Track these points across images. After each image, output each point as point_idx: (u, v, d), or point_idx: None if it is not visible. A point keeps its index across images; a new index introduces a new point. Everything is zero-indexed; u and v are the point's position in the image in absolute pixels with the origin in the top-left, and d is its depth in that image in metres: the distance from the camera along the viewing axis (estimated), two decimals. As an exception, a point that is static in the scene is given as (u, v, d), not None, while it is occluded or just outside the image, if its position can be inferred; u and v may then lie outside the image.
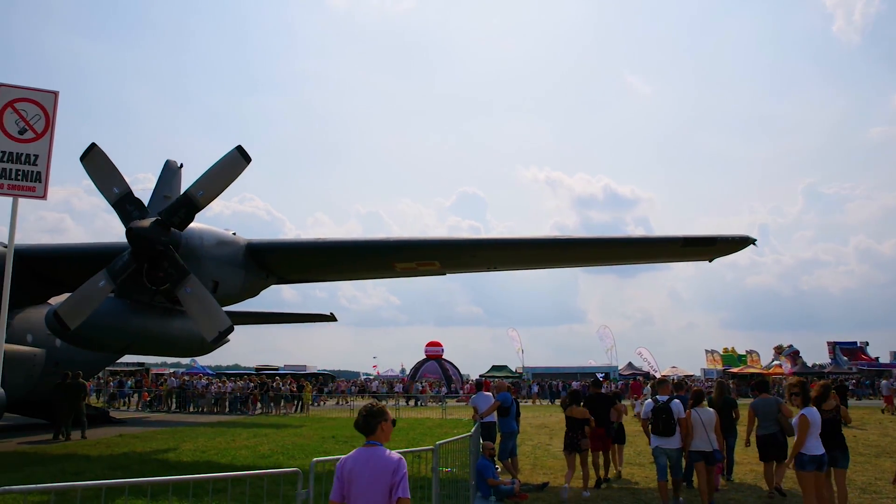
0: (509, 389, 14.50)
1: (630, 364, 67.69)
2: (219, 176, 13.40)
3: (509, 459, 12.97)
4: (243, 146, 13.31)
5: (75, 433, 20.53)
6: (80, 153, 13.33)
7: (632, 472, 13.87)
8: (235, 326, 13.88)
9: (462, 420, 26.04)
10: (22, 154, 7.12)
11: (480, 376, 59.22)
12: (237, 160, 13.33)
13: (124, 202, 13.46)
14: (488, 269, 18.46)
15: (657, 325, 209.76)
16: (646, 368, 63.88)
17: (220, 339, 13.55)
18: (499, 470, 12.48)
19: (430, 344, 65.86)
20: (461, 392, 52.98)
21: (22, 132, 7.16)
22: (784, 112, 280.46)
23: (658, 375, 50.04)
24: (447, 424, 24.40)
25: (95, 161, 13.32)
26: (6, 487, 5.36)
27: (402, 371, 70.46)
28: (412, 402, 46.79)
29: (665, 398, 10.40)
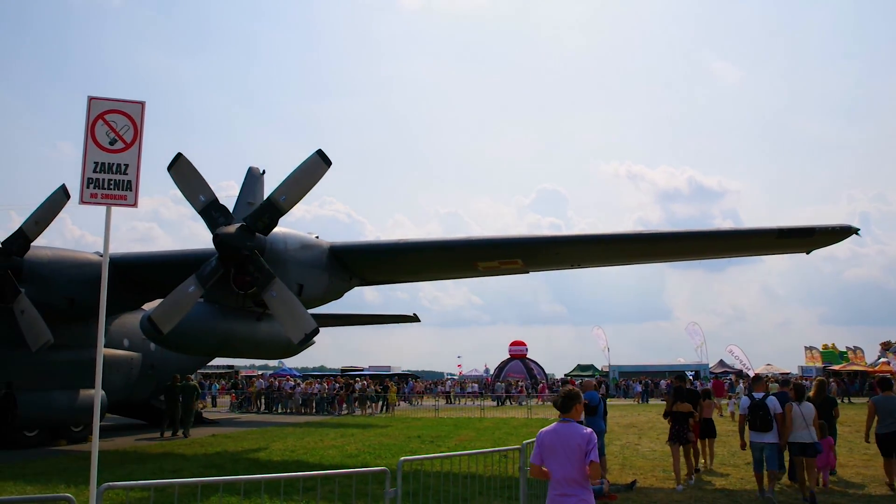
0: (595, 388, 14.30)
1: (721, 362, 65.39)
2: (300, 180, 13.55)
3: (597, 459, 12.74)
4: (323, 150, 13.46)
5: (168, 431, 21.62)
6: (166, 164, 13.68)
7: (726, 472, 13.45)
8: (320, 328, 14.05)
9: (548, 420, 25.67)
10: (113, 164, 7.33)
11: (565, 375, 58.56)
12: (318, 164, 13.44)
13: (210, 209, 13.75)
14: (572, 266, 18.09)
15: (749, 322, 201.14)
16: (737, 366, 61.67)
17: (306, 341, 13.71)
18: (587, 470, 12.25)
19: (514, 343, 65.74)
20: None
21: (112, 143, 7.38)
22: (889, 91, 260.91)
23: (751, 373, 48.20)
24: (532, 424, 24.14)
25: (182, 170, 13.64)
26: (110, 483, 5.53)
27: (486, 371, 70.39)
28: (497, 401, 44.88)
29: (760, 395, 10.64)
